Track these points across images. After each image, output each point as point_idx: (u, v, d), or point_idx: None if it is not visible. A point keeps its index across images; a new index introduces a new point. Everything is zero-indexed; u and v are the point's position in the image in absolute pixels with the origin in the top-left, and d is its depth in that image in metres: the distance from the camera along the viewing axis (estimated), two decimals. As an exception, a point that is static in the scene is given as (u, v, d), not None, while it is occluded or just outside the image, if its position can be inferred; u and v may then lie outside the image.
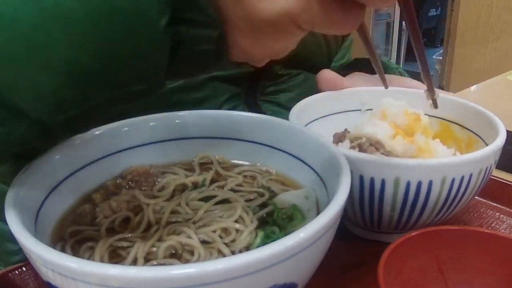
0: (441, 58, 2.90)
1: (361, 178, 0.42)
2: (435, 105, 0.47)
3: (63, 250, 0.36)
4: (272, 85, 0.71)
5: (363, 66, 0.71)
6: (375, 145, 0.47)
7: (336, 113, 0.58)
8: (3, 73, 0.26)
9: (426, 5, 4.33)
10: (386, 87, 0.46)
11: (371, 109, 0.55)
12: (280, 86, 0.72)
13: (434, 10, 4.38)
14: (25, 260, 0.31)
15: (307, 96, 0.57)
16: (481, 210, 0.56)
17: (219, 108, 0.69)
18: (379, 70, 0.43)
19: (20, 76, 0.26)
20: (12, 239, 0.29)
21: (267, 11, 0.26)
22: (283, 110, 0.72)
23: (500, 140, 0.45)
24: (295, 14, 0.27)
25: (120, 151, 0.46)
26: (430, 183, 0.41)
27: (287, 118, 0.49)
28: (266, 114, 0.70)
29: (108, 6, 0.25)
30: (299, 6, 0.26)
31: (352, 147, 0.48)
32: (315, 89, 0.73)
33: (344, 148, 0.46)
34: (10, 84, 0.26)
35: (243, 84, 0.68)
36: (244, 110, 0.71)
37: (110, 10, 0.25)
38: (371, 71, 0.68)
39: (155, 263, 0.34)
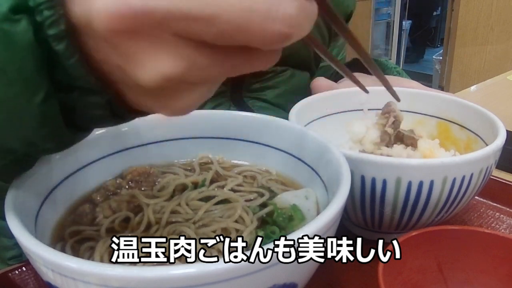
0: (441, 58, 2.90)
1: (363, 178, 0.42)
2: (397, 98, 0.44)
3: (63, 250, 0.36)
4: (257, 81, 0.71)
5: (363, 66, 0.71)
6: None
7: (336, 113, 0.58)
8: None
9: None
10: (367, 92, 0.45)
11: (372, 109, 0.55)
12: (266, 83, 0.71)
13: (434, 10, 4.38)
14: (20, 255, 0.30)
15: (294, 92, 0.56)
16: (481, 210, 0.56)
17: (202, 105, 0.68)
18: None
19: None
20: (7, 234, 0.29)
21: (146, 80, 0.24)
22: (270, 106, 0.72)
23: (500, 140, 0.45)
24: (179, 76, 0.24)
25: (120, 151, 0.46)
26: (432, 183, 0.41)
27: (274, 114, 0.49)
28: (253, 110, 0.70)
29: None
30: (180, 66, 0.23)
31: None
32: (302, 86, 0.72)
33: (344, 149, 0.46)
34: None
35: (228, 82, 0.68)
36: (229, 107, 0.70)
37: None
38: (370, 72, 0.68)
39: (155, 263, 0.34)
